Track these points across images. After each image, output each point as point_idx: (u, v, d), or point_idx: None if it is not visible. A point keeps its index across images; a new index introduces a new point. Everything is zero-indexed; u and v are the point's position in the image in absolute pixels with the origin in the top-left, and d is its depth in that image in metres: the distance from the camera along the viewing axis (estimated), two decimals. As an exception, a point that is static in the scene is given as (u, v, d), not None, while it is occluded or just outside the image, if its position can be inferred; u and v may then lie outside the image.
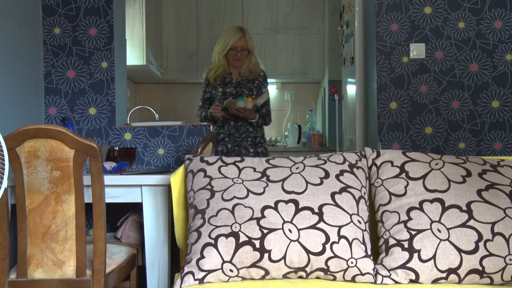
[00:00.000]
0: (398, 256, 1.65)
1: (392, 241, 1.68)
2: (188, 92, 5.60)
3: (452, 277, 1.62)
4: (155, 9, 4.98)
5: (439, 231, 1.65)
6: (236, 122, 3.50)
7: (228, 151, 3.48)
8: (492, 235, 1.62)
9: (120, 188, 2.24)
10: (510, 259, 1.59)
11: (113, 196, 2.22)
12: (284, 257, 1.63)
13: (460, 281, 1.62)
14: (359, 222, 1.73)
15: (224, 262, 1.63)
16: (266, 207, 1.70)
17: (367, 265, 1.66)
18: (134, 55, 4.35)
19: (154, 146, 2.98)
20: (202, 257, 1.63)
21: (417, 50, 3.21)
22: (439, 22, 3.18)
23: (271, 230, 1.65)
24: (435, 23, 3.18)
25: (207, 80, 3.63)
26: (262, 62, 5.29)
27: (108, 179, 2.11)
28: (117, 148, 2.59)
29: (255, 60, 3.58)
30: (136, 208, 2.52)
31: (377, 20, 3.24)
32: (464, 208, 1.68)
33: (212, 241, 1.65)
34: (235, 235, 1.65)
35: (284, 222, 1.66)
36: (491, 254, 1.60)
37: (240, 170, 1.84)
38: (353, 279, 1.66)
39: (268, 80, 5.45)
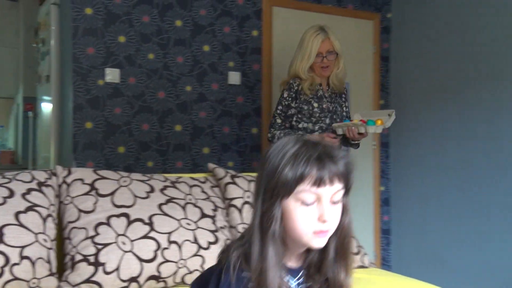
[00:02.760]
0: (83, 271, 1.60)
1: (78, 257, 1.64)
2: None
3: (133, 285, 1.66)
4: None
5: (124, 243, 1.68)
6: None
7: None
8: (168, 243, 1.74)
9: None
10: (181, 264, 1.73)
11: None
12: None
13: (140, 287, 1.68)
14: (45, 240, 1.64)
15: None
16: None
17: (51, 283, 1.58)
18: None
19: None
20: None
21: (112, 75, 3.24)
22: (132, 51, 3.29)
23: None
24: (129, 51, 3.28)
25: (294, 92, 2.69)
26: None
27: None
28: None
29: (343, 65, 2.75)
30: None
31: (73, 42, 3.16)
32: (147, 220, 1.76)
33: None
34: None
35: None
36: (167, 261, 1.71)
37: None
38: (35, 300, 1.56)
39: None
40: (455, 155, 3.52)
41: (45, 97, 3.81)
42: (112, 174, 1.91)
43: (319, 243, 0.97)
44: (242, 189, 2.06)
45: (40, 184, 1.76)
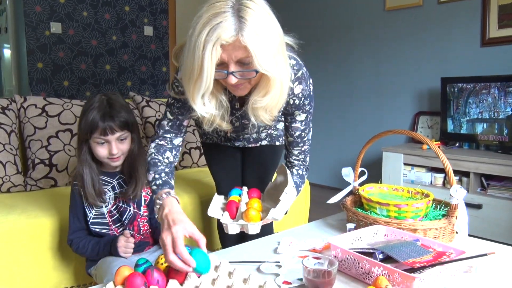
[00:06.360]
0: (41, 170, 1.55)
1: (37, 161, 1.56)
2: None
3: (79, 175, 1.66)
4: None
5: (69, 150, 1.60)
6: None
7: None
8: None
9: None
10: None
11: None
12: None
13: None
14: (11, 149, 1.52)
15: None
16: None
17: (18, 179, 1.51)
18: None
19: None
20: None
21: (55, 27, 2.89)
22: (70, 9, 2.93)
23: None
24: (68, 10, 2.92)
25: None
26: None
27: None
28: None
29: (281, 90, 0.78)
30: None
31: (24, 2, 2.74)
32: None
33: None
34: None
35: None
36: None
37: None
38: (8, 190, 1.49)
39: None
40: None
41: (5, 45, 3.31)
42: (57, 100, 1.75)
43: (114, 164, 1.06)
44: (154, 110, 1.99)
45: (3, 108, 1.59)
